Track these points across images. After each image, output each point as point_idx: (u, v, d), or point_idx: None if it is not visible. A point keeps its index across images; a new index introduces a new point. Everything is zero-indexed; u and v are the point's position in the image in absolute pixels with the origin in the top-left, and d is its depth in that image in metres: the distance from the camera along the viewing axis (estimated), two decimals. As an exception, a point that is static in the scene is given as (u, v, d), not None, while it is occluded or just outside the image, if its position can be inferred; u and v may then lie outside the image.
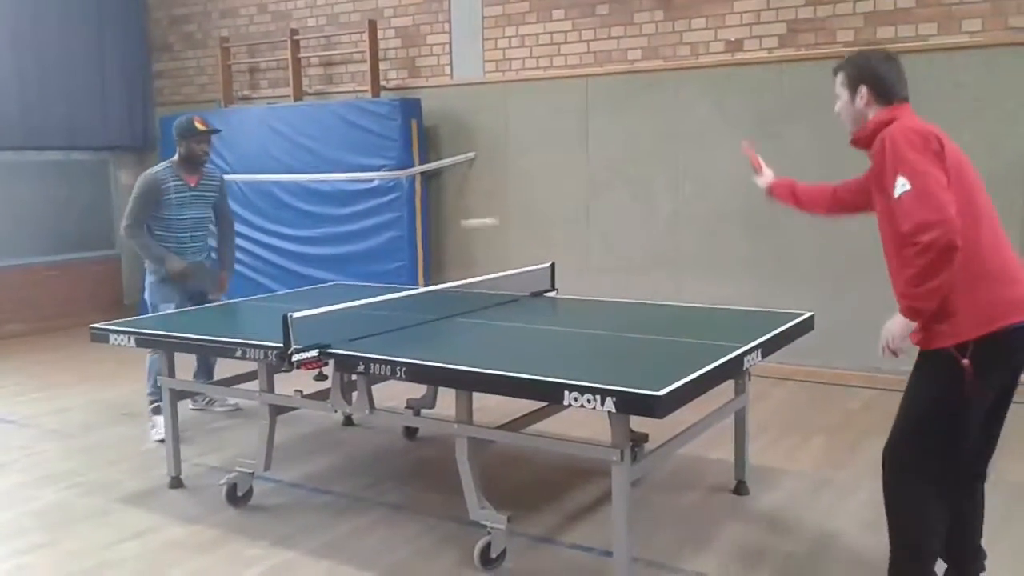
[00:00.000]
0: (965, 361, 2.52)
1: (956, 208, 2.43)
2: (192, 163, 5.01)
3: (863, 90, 2.76)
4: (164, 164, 5.03)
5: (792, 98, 5.83)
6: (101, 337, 4.11)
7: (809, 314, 3.87)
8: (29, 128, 7.95)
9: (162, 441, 4.47)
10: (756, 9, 5.96)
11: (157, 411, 4.77)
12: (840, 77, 2.84)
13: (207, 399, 5.35)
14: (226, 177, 5.56)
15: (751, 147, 3.63)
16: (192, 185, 5.02)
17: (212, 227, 5.26)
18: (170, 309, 4.88)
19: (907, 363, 2.76)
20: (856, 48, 5.54)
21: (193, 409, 5.36)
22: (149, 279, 5.05)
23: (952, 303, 2.53)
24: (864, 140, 2.76)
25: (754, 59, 5.98)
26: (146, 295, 5.11)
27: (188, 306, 4.93)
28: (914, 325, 2.58)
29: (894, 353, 2.65)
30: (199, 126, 4.97)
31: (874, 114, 2.74)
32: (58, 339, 7.65)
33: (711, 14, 6.10)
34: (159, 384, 4.33)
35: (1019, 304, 2.55)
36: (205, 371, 5.09)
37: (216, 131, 5.15)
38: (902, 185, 2.48)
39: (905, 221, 2.47)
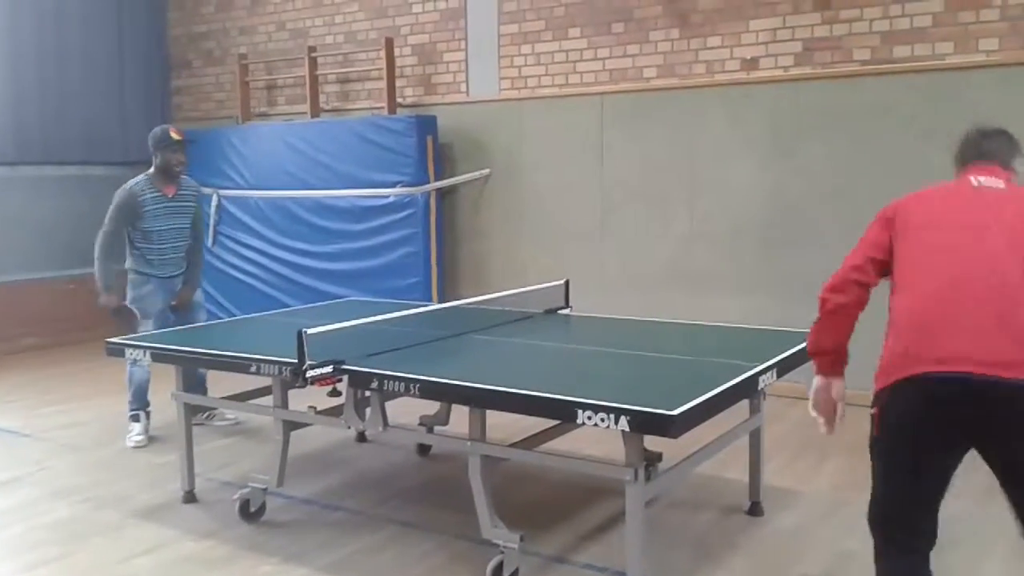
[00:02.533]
0: (873, 410, 2.53)
1: (864, 278, 2.66)
2: (168, 174, 5.07)
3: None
4: (141, 176, 5.11)
5: (808, 116, 5.82)
6: (116, 351, 4.13)
7: (825, 333, 3.83)
8: (49, 143, 8.03)
9: (137, 447, 4.98)
10: (772, 28, 5.96)
11: (135, 419, 5.09)
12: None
13: (206, 413, 5.36)
14: (244, 193, 5.61)
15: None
16: (169, 196, 5.08)
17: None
18: (148, 325, 5.03)
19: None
20: (872, 66, 5.56)
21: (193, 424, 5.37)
22: (130, 293, 5.17)
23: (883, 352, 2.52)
24: None
25: (770, 77, 5.98)
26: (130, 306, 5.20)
27: (168, 318, 5.11)
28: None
29: None
30: (174, 136, 5.05)
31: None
32: (74, 353, 7.69)
33: (727, 32, 6.11)
34: (137, 394, 5.00)
35: (924, 358, 2.33)
36: (198, 384, 5.09)
37: (190, 141, 5.20)
38: None
39: None
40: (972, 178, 2.59)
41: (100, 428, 5.44)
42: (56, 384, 6.68)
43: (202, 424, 5.38)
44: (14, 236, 7.92)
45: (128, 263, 5.16)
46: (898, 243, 2.56)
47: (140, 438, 5.09)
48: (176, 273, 5.20)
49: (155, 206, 5.02)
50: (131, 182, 5.08)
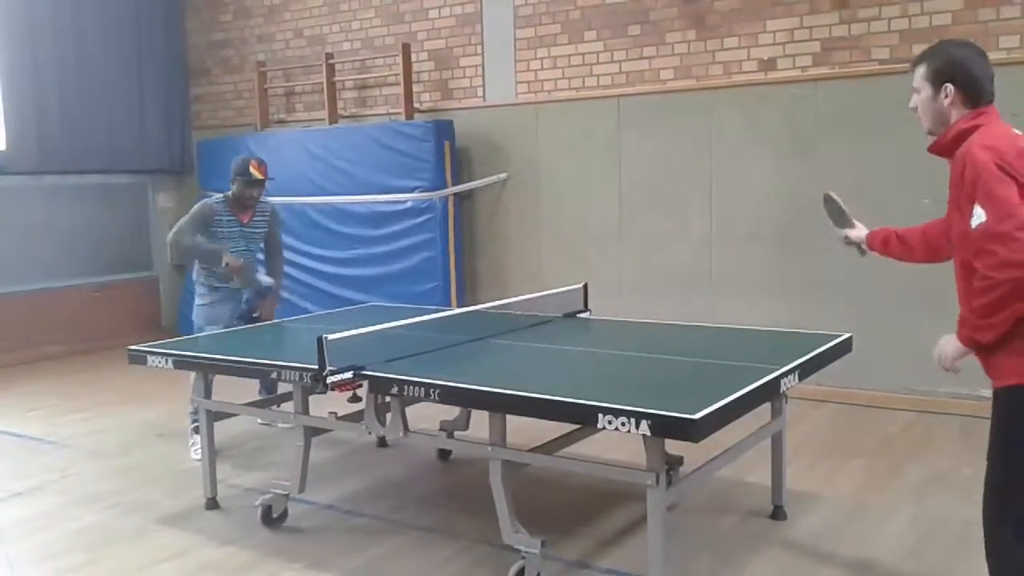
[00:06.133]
0: None
1: None
2: (241, 203, 5.11)
3: (949, 88, 2.49)
4: (220, 196, 5.15)
5: (826, 117, 5.78)
6: (139, 359, 4.15)
7: (847, 335, 3.81)
8: (71, 152, 8.11)
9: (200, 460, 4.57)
10: (789, 28, 5.93)
11: (196, 430, 4.81)
12: (922, 69, 2.55)
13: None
14: (264, 199, 5.63)
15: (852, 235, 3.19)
16: (244, 222, 5.14)
17: (260, 256, 5.37)
18: (216, 331, 4.94)
19: (945, 384, 2.70)
20: (891, 65, 5.51)
21: (262, 424, 5.44)
22: (198, 302, 5.15)
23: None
24: (945, 149, 2.53)
25: (787, 78, 5.95)
26: (193, 317, 5.19)
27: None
28: (968, 352, 2.46)
29: (945, 369, 2.56)
30: (254, 172, 5.02)
31: (956, 116, 2.50)
32: (97, 360, 7.76)
33: (743, 33, 6.09)
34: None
35: None
36: (268, 387, 5.12)
37: (270, 179, 5.18)
38: (979, 216, 2.31)
39: (978, 255, 2.32)
40: (1015, 130, 2.48)
41: (124, 435, 5.48)
42: (80, 391, 6.74)
43: (268, 425, 5.42)
44: (38, 245, 8.01)
45: (196, 275, 5.19)
46: None
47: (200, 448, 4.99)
48: (242, 288, 5.21)
49: (229, 228, 5.07)
50: (212, 198, 5.14)
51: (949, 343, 2.51)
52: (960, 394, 5.16)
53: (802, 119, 5.90)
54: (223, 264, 4.94)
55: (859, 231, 3.17)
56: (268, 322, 5.19)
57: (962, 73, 2.49)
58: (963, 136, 2.46)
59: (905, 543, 3.58)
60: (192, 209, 5.10)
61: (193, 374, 4.76)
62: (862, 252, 3.18)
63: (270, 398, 4.76)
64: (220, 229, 5.04)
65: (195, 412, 4.88)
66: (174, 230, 5.02)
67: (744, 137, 6.09)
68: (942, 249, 2.81)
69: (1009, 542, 2.45)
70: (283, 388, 4.28)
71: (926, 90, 2.55)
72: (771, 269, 6.06)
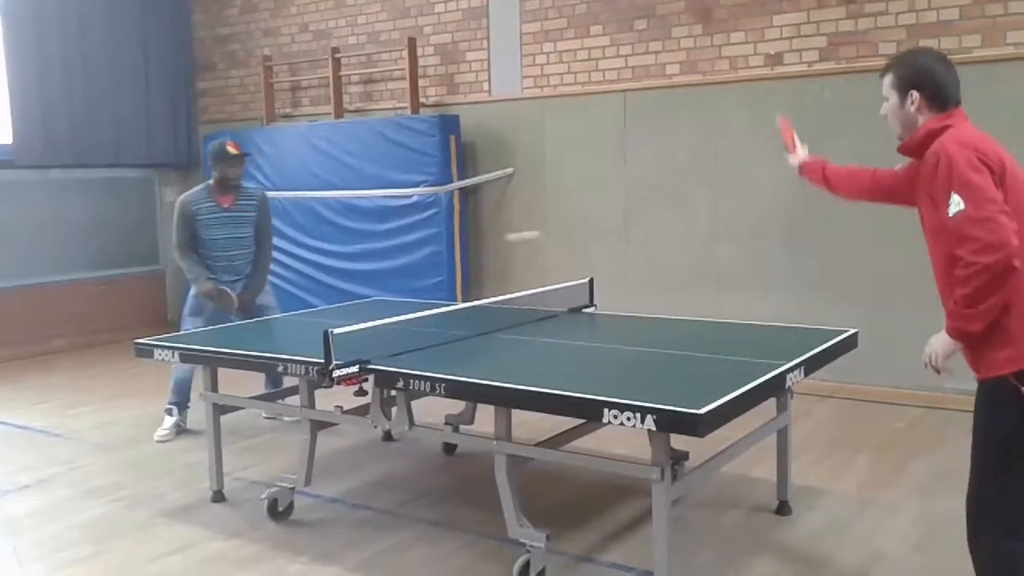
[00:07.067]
0: None
1: (1016, 228, 2.30)
2: (224, 186, 5.20)
3: (914, 95, 2.58)
4: (200, 187, 5.29)
5: (833, 112, 5.77)
6: (145, 352, 4.17)
7: (853, 331, 3.81)
8: (77, 146, 8.13)
9: (161, 441, 5.16)
10: (796, 23, 5.91)
11: (168, 412, 5.24)
12: (889, 78, 2.64)
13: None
14: (269, 194, 5.66)
15: (787, 123, 3.46)
16: (225, 206, 5.19)
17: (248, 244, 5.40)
18: (197, 322, 5.11)
19: (952, 380, 2.69)
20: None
21: (266, 418, 5.49)
22: (192, 290, 5.27)
23: (1011, 327, 2.38)
24: (914, 149, 2.61)
25: (794, 73, 5.93)
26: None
27: (214, 323, 5.13)
28: (959, 346, 2.47)
29: (936, 371, 2.56)
30: (230, 150, 5.17)
31: (925, 120, 2.58)
32: (104, 354, 7.79)
33: (750, 28, 6.07)
34: (175, 389, 5.16)
35: None
36: (274, 380, 5.17)
37: (247, 154, 5.32)
38: (956, 204, 2.34)
39: (960, 242, 2.34)
40: (981, 132, 2.54)
41: (130, 428, 5.50)
42: (87, 385, 6.76)
43: (274, 418, 5.47)
44: (44, 239, 8.04)
45: None
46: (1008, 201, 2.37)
47: (165, 432, 5.22)
48: (235, 279, 5.26)
49: (209, 216, 5.15)
50: (187, 193, 5.26)
51: (938, 340, 2.51)
52: (967, 390, 5.08)
53: (808, 114, 5.88)
54: (199, 289, 5.12)
55: (797, 157, 3.38)
56: (247, 315, 5.24)
57: (927, 80, 2.59)
58: (933, 136, 2.54)
59: (910, 539, 3.58)
60: (176, 208, 5.20)
61: (173, 363, 4.87)
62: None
63: (276, 391, 4.78)
64: (202, 218, 5.13)
65: (171, 396, 5.24)
66: (173, 247, 5.22)
67: (750, 132, 6.08)
68: (886, 194, 2.95)
69: (991, 534, 2.47)
70: (290, 382, 4.28)
71: (893, 97, 2.65)
72: (777, 264, 6.05)
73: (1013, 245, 2.30)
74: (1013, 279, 2.32)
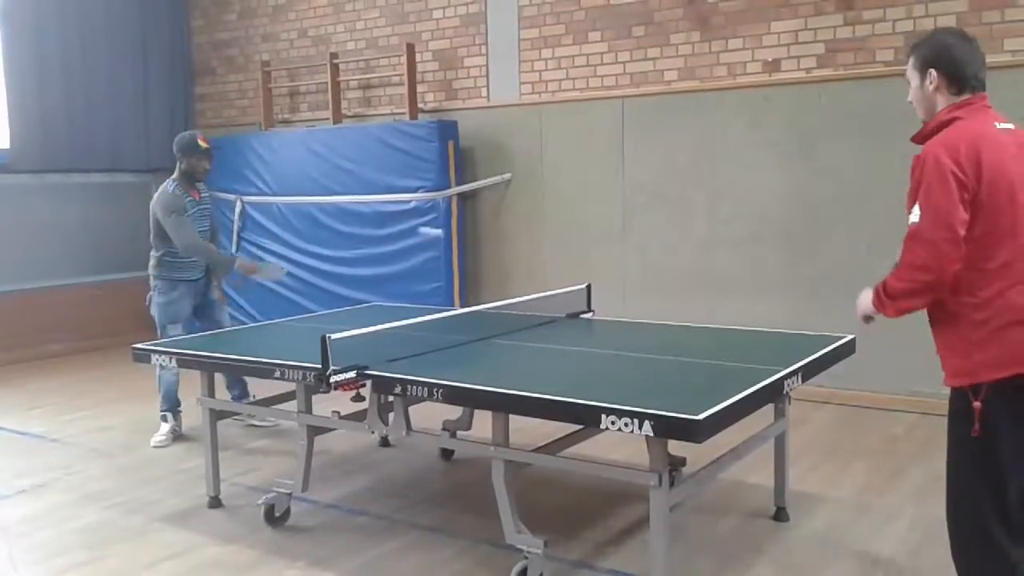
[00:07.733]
0: (976, 404, 2.38)
1: (959, 256, 2.33)
2: (192, 179, 5.19)
3: (932, 74, 2.51)
4: (170, 182, 5.17)
5: (831, 118, 5.78)
6: (143, 357, 4.16)
7: (851, 337, 3.81)
8: (75, 151, 8.13)
9: (158, 447, 5.12)
10: (794, 29, 5.93)
11: (163, 419, 5.23)
12: (911, 59, 2.58)
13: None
14: (267, 199, 5.71)
15: None
16: (197, 200, 5.23)
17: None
18: (179, 329, 5.13)
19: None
20: (896, 67, 5.50)
21: (249, 424, 5.46)
22: (158, 299, 5.21)
23: (971, 339, 2.39)
24: (925, 140, 2.53)
25: (792, 79, 5.94)
26: (153, 312, 5.25)
27: (194, 324, 5.22)
28: (877, 313, 2.58)
29: (865, 320, 2.68)
30: (201, 143, 5.16)
31: (944, 103, 2.51)
32: (100, 358, 7.77)
33: (748, 35, 6.08)
34: (166, 396, 5.20)
35: None
36: (240, 386, 5.18)
37: (216, 148, 5.32)
38: (915, 214, 2.38)
39: (906, 249, 2.41)
40: (996, 124, 2.50)
41: (126, 433, 5.49)
42: (82, 389, 6.75)
43: (255, 426, 5.44)
44: (41, 243, 8.03)
45: (155, 270, 5.20)
46: (979, 211, 2.36)
47: (162, 438, 5.21)
48: (200, 276, 5.29)
49: (191, 209, 5.15)
50: (168, 186, 5.15)
51: (865, 297, 2.63)
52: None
53: (806, 121, 5.90)
54: (236, 268, 5.20)
55: None
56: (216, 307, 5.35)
57: (945, 58, 2.51)
58: (941, 128, 2.49)
59: (907, 545, 3.57)
60: (168, 208, 5.02)
61: (158, 369, 4.87)
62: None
63: (269, 398, 4.75)
64: (189, 212, 5.12)
65: (162, 403, 5.25)
66: (181, 240, 5.01)
67: (748, 138, 6.09)
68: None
69: (968, 539, 2.51)
70: (284, 388, 4.27)
71: (915, 79, 2.59)
72: (775, 270, 6.06)
73: (948, 272, 2.35)
74: (934, 297, 2.42)
